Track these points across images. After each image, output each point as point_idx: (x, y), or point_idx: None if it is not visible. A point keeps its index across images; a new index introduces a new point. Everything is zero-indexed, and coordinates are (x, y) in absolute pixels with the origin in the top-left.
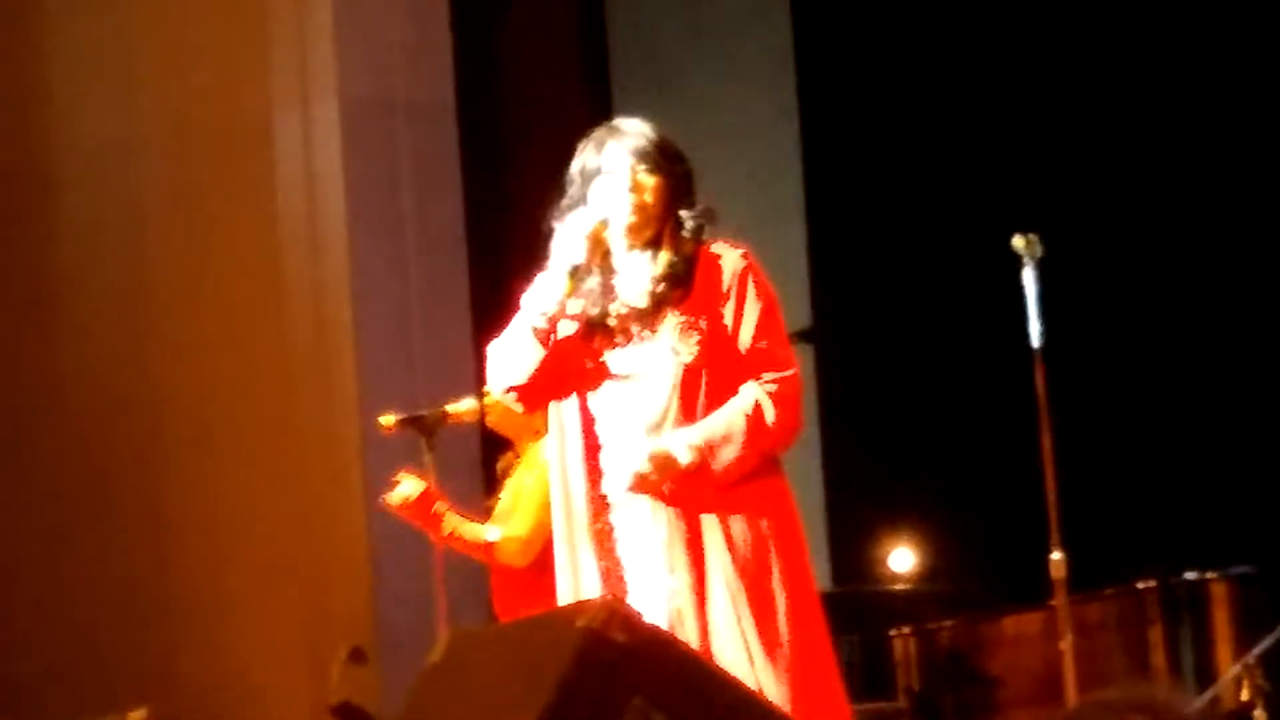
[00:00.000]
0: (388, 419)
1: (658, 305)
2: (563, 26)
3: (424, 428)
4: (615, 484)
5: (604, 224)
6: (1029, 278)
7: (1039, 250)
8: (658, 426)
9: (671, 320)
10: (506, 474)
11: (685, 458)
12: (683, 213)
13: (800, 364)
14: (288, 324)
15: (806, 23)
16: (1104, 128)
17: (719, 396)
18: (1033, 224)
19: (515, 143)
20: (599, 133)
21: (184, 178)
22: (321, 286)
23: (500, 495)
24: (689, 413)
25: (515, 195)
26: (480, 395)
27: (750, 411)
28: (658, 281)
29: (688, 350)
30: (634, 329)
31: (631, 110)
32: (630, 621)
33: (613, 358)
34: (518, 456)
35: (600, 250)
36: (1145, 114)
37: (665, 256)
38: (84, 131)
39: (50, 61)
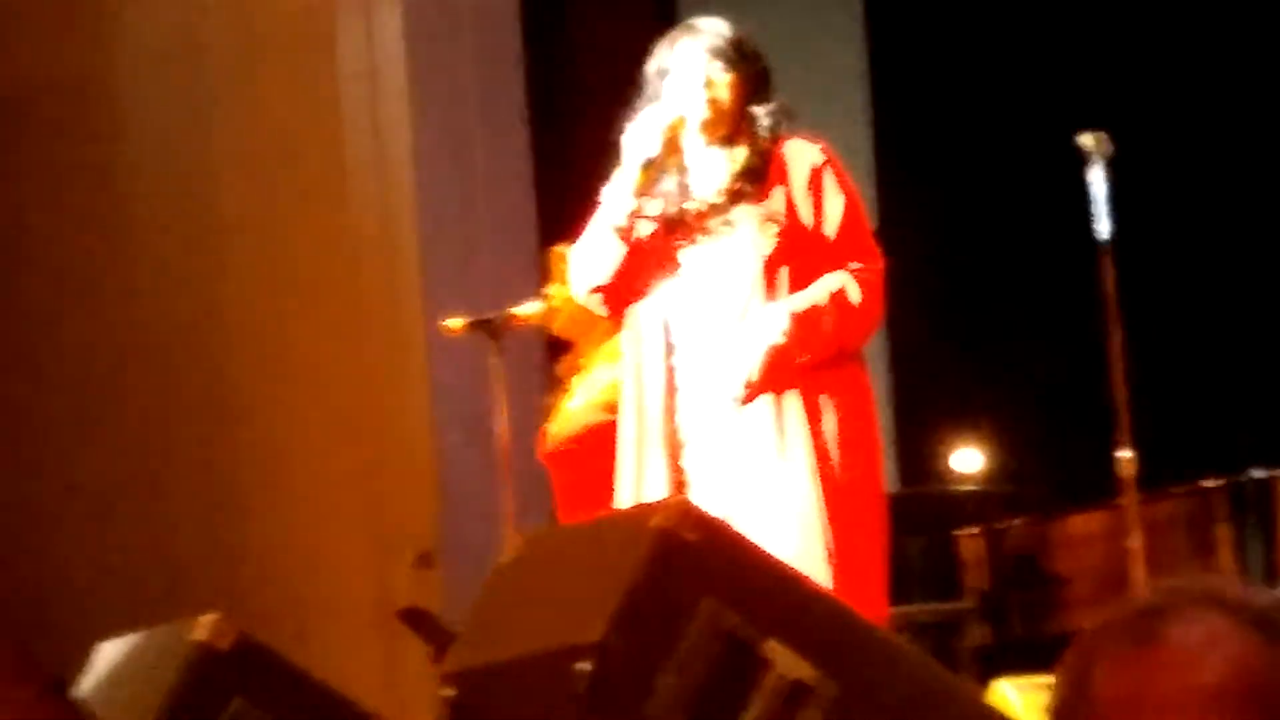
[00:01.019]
0: (454, 321)
1: (734, 200)
2: None
3: (491, 330)
4: (721, 396)
5: (680, 120)
6: (1096, 175)
7: (1107, 147)
8: (739, 322)
9: (749, 214)
10: (568, 376)
11: (775, 339)
12: (757, 109)
13: None
14: (352, 227)
15: None
16: (1172, 27)
17: (800, 289)
18: (1100, 121)
19: (579, 43)
20: (675, 31)
21: (248, 80)
22: (386, 188)
23: (562, 394)
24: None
25: (579, 97)
26: (546, 297)
27: (836, 291)
28: (735, 178)
29: (767, 243)
30: (712, 225)
31: (696, 10)
32: (703, 521)
33: (692, 254)
34: (579, 360)
35: (675, 146)
36: (1213, 12)
37: (741, 152)
38: (147, 36)
39: None
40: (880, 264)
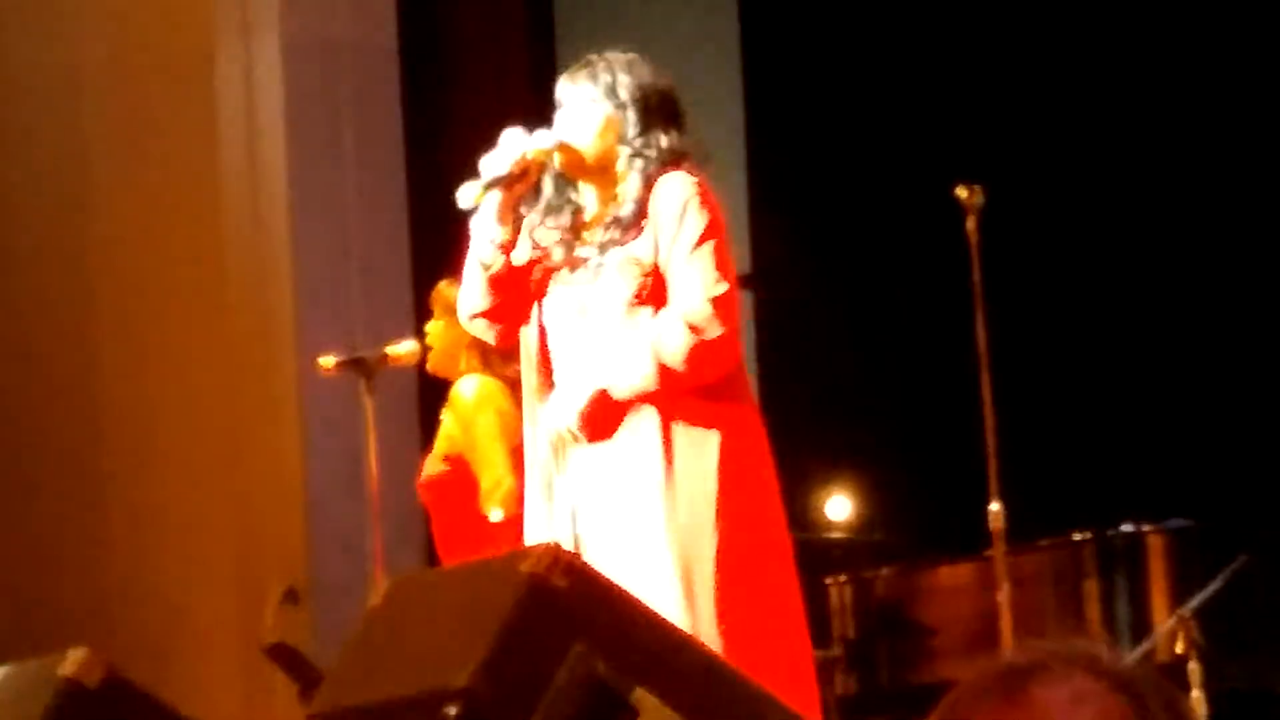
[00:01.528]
0: (327, 360)
1: (605, 244)
2: None
3: (363, 369)
4: (555, 435)
5: (542, 152)
6: (971, 227)
7: (981, 200)
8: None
9: (615, 255)
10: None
11: (581, 406)
12: (624, 149)
13: (740, 308)
14: (227, 260)
15: None
16: (1047, 78)
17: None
18: (976, 173)
19: (456, 83)
20: (576, 64)
21: (125, 111)
22: (261, 222)
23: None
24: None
25: (456, 136)
26: (420, 336)
27: (679, 326)
28: (602, 221)
29: (629, 285)
30: (583, 265)
31: (574, 52)
32: (574, 567)
33: (562, 291)
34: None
35: (526, 174)
36: (1088, 63)
37: (611, 194)
38: (25, 62)
39: None
40: (730, 291)
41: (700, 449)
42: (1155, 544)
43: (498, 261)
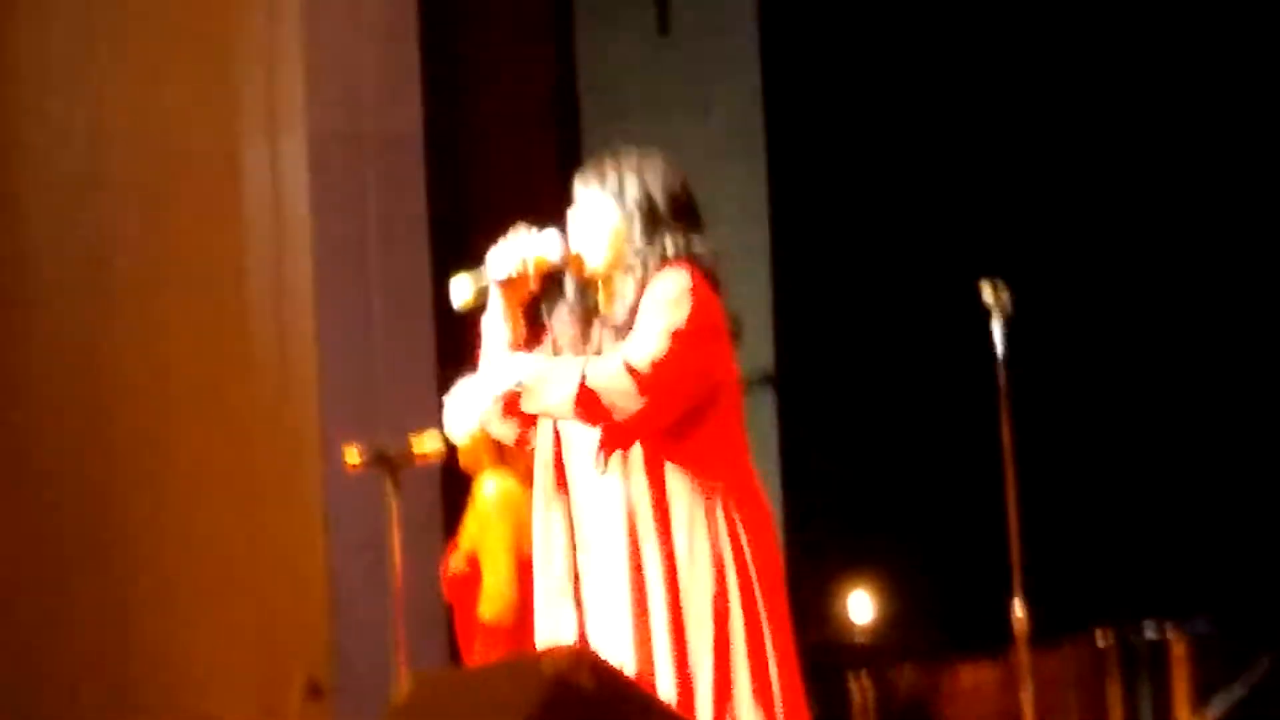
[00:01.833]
0: (353, 457)
1: (600, 347)
2: (532, 63)
3: (388, 465)
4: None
5: (545, 262)
6: (996, 324)
7: (1007, 299)
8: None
9: (612, 349)
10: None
11: (502, 386)
12: (628, 255)
13: (761, 408)
14: (252, 355)
15: (775, 71)
16: (1073, 177)
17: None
18: (1001, 272)
19: (482, 177)
20: (593, 161)
21: (151, 208)
22: (286, 317)
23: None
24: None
25: (481, 231)
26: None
27: (583, 375)
28: (604, 323)
29: None
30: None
31: (600, 145)
32: (598, 668)
33: None
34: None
35: (527, 281)
36: (1114, 162)
37: (611, 294)
38: (52, 161)
39: (18, 91)
40: (654, 354)
41: (704, 513)
42: (1178, 648)
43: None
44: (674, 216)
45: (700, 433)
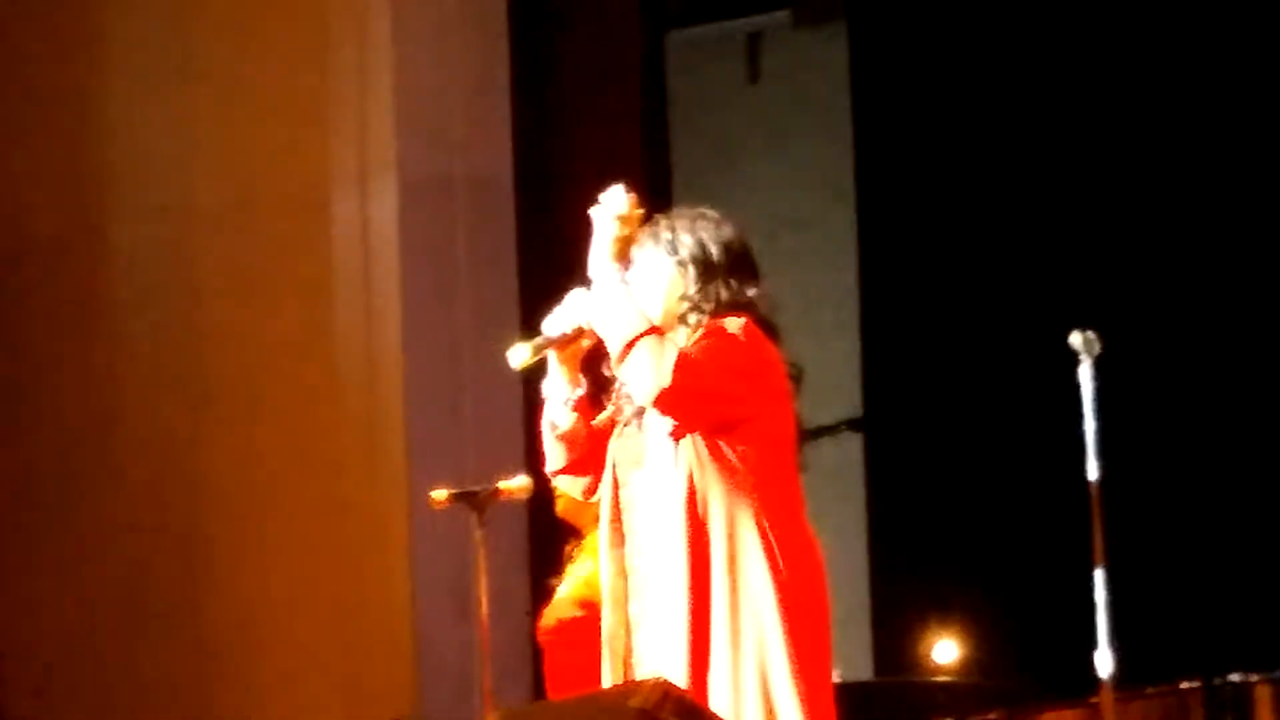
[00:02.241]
0: (439, 494)
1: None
2: (624, 106)
3: (475, 504)
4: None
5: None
6: (1085, 374)
7: (1097, 347)
8: (671, 511)
9: None
10: (570, 559)
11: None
12: (683, 304)
13: (849, 452)
14: (340, 398)
15: (867, 114)
16: (1162, 226)
17: (721, 464)
18: (1090, 321)
19: (572, 221)
20: (651, 222)
21: (241, 250)
22: (375, 361)
23: (563, 578)
24: (693, 493)
25: (571, 274)
26: (531, 472)
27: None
28: None
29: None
30: (635, 419)
31: (690, 191)
32: (683, 703)
33: (628, 444)
34: (581, 545)
35: (582, 339)
36: (1205, 213)
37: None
38: (142, 202)
39: (111, 132)
40: (691, 371)
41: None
42: (1263, 694)
43: (568, 421)
44: (728, 268)
45: (749, 470)
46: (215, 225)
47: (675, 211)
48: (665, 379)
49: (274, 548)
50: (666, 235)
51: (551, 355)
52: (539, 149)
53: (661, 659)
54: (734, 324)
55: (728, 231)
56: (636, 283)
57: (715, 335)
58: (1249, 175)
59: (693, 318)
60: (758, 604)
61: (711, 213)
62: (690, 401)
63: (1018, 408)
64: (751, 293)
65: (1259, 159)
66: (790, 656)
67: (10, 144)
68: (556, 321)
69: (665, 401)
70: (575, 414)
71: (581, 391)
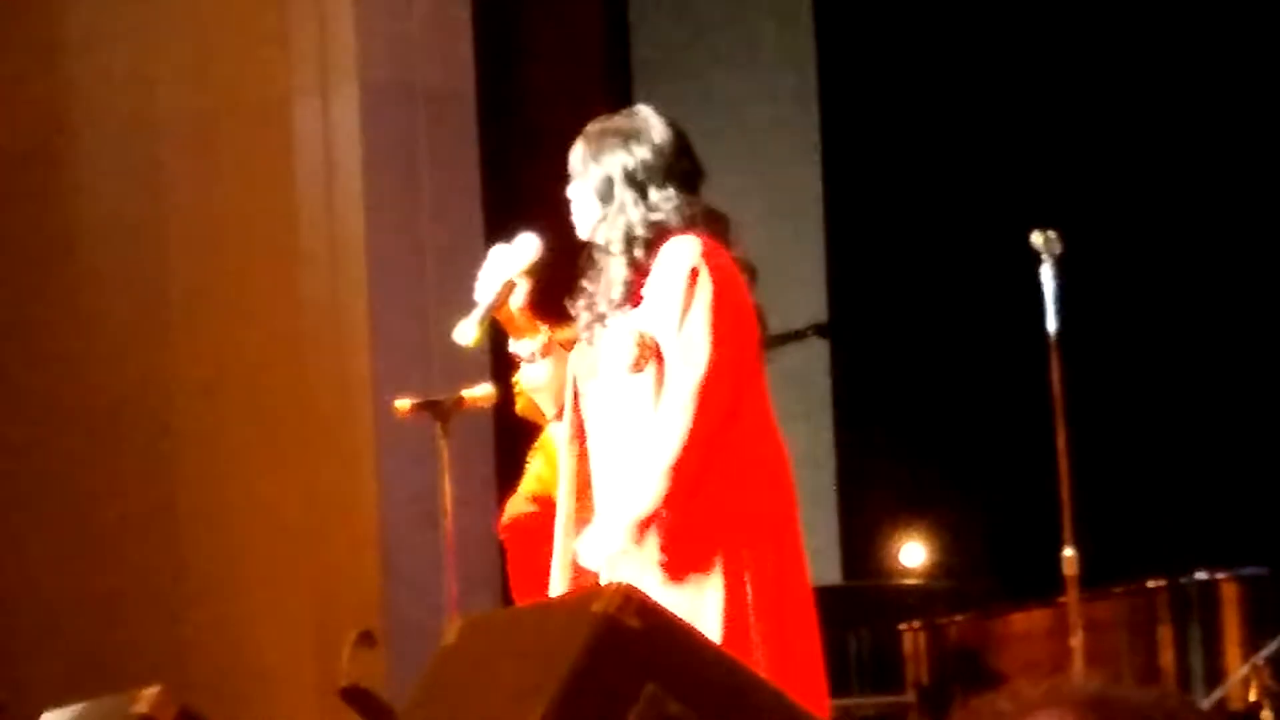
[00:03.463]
0: (403, 403)
1: (600, 316)
2: (584, 16)
3: (439, 412)
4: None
5: (509, 284)
6: (1047, 273)
7: (1057, 246)
8: (621, 430)
9: (615, 323)
10: (530, 458)
11: (619, 545)
12: (606, 228)
13: (815, 357)
14: (303, 309)
15: (828, 17)
16: (1121, 122)
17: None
18: (1051, 219)
19: (534, 132)
20: (585, 134)
21: (203, 160)
22: (338, 271)
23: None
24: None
25: (533, 185)
26: (496, 380)
27: (658, 449)
28: (589, 305)
29: (629, 352)
30: (595, 330)
31: (651, 99)
32: (646, 607)
33: (584, 353)
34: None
35: (504, 303)
36: (1163, 108)
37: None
38: (104, 114)
39: (71, 44)
40: (700, 372)
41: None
42: (1229, 591)
43: (543, 372)
44: (669, 177)
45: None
46: (178, 135)
47: (592, 129)
48: (705, 423)
49: (239, 459)
50: (581, 156)
51: (499, 320)
52: (500, 56)
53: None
54: (690, 252)
55: (663, 138)
56: (580, 216)
57: (698, 295)
58: (1212, 70)
59: (618, 243)
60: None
61: (629, 123)
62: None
63: (981, 309)
64: (670, 203)
65: (1222, 51)
66: (756, 563)
67: None
68: (486, 286)
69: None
70: (546, 359)
71: (544, 338)
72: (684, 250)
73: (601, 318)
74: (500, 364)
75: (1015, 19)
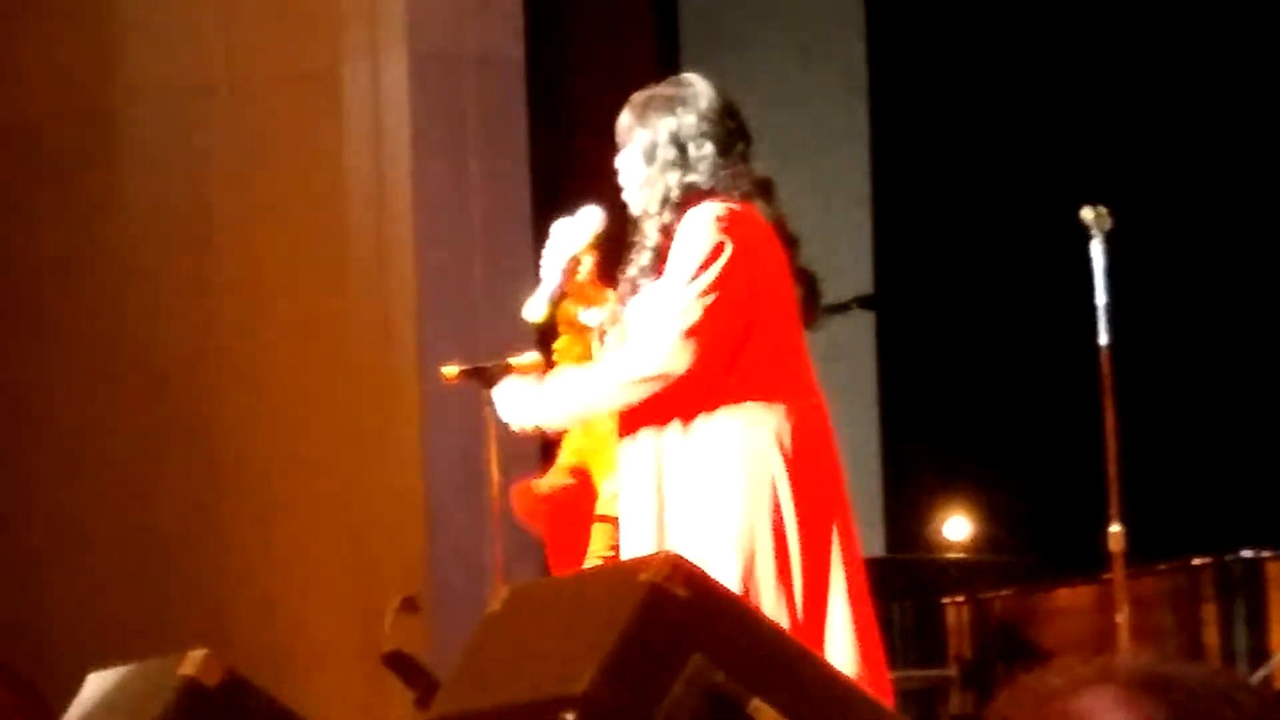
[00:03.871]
0: (449, 370)
1: (633, 286)
2: None
3: (485, 379)
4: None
5: (589, 248)
6: (1097, 249)
7: (1108, 222)
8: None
9: (639, 296)
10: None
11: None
12: (644, 195)
13: (861, 330)
14: (350, 275)
15: None
16: (1175, 98)
17: None
18: (1102, 195)
19: (582, 99)
20: (633, 102)
21: (250, 124)
22: (386, 237)
23: (560, 451)
24: None
25: (581, 153)
26: (543, 349)
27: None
28: (636, 260)
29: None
30: (627, 295)
31: (699, 72)
32: (693, 577)
33: (617, 329)
34: None
35: (572, 279)
36: (1218, 84)
37: (649, 227)
38: (151, 78)
39: (121, 8)
40: (685, 324)
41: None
42: (1275, 570)
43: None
44: (702, 145)
45: (746, 360)
46: (225, 99)
47: (639, 97)
48: (675, 366)
49: (284, 426)
50: (628, 122)
51: (569, 294)
52: (550, 23)
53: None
54: (706, 216)
55: (709, 106)
56: (622, 177)
57: (699, 270)
58: (1269, 45)
59: (655, 206)
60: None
61: (676, 90)
62: (705, 372)
63: (1029, 283)
64: (722, 171)
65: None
66: (796, 536)
67: (22, 26)
68: (552, 262)
69: (686, 385)
70: (615, 326)
71: (613, 306)
72: (700, 215)
73: (635, 286)
74: (546, 333)
75: None
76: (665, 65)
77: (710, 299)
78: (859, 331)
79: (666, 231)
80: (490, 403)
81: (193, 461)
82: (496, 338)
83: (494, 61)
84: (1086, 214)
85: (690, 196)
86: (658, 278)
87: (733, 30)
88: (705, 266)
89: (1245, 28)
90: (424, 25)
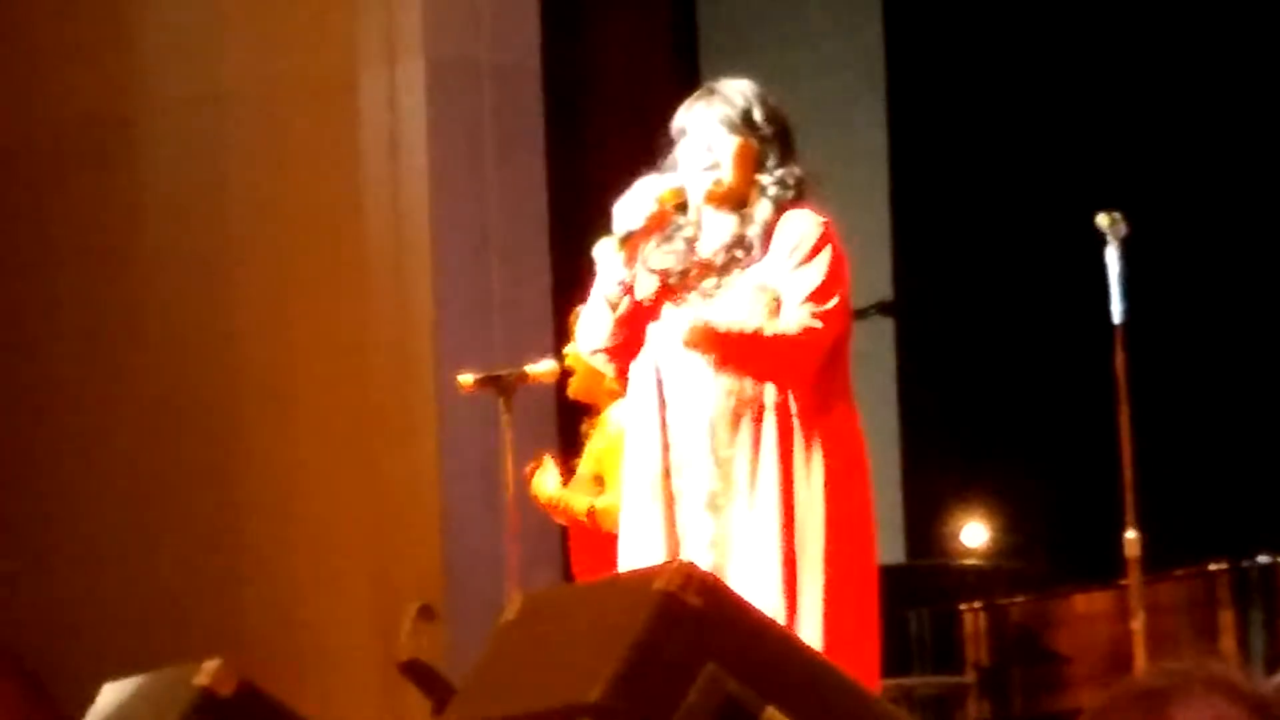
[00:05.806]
0: (466, 378)
1: (727, 266)
2: None
3: (502, 387)
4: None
5: (674, 193)
6: (1112, 255)
7: (1123, 228)
8: (729, 390)
9: (739, 278)
10: (586, 437)
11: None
12: (765, 177)
13: (880, 337)
14: (367, 282)
15: (897, 4)
16: (1191, 104)
17: None
18: (1117, 201)
19: (599, 106)
20: (697, 93)
21: (268, 133)
22: (403, 244)
23: (581, 460)
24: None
25: (598, 159)
26: (560, 357)
27: (772, 329)
28: (729, 245)
29: (759, 307)
30: (706, 287)
31: (719, 71)
32: (707, 586)
33: (680, 315)
34: (594, 422)
35: (661, 220)
36: (1235, 91)
37: (741, 219)
38: (169, 84)
39: (137, 14)
40: (827, 330)
41: (809, 457)
42: None
43: (624, 302)
44: (789, 144)
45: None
46: (242, 106)
47: (724, 83)
48: (814, 323)
49: (302, 433)
50: (739, 103)
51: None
52: (567, 31)
53: (703, 545)
54: (819, 225)
55: (784, 108)
56: (696, 151)
57: (832, 250)
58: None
59: (772, 193)
60: (810, 494)
61: (740, 85)
62: (832, 331)
63: (1047, 290)
64: (811, 175)
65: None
66: (827, 545)
67: (43, 36)
68: (629, 211)
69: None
70: (627, 294)
71: (633, 273)
72: (815, 222)
73: (726, 267)
74: (561, 341)
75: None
76: (683, 74)
77: (840, 321)
78: (878, 337)
79: (767, 225)
80: (506, 411)
81: (212, 468)
82: (514, 347)
83: (511, 70)
84: (1102, 220)
85: (799, 195)
86: (758, 261)
87: (750, 35)
88: (838, 281)
89: (1260, 35)
90: (441, 34)
